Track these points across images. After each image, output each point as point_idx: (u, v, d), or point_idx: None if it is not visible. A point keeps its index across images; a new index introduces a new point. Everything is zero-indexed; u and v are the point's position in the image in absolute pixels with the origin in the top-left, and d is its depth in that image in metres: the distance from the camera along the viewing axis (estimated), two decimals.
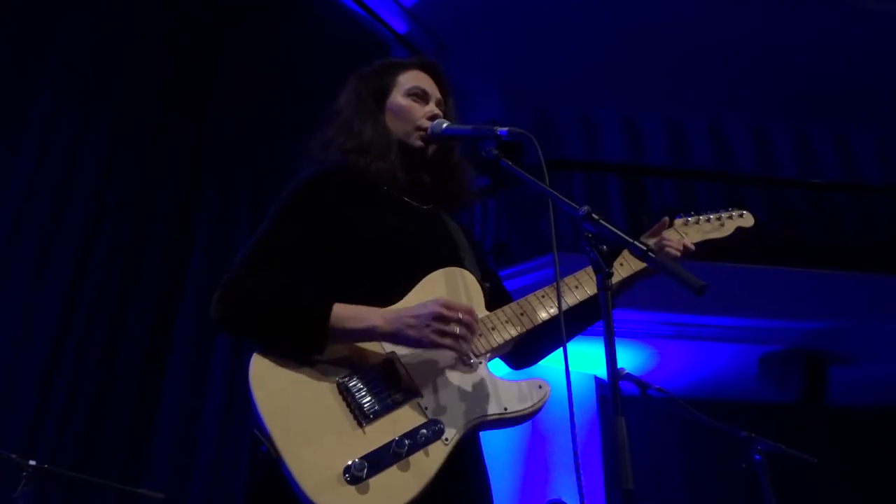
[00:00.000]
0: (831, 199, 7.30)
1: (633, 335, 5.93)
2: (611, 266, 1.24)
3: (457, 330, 1.36)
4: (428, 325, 1.34)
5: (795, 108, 8.14)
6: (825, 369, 6.22)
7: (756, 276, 5.70)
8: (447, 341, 1.35)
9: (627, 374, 2.75)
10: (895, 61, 7.39)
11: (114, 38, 4.85)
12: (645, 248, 1.22)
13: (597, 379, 6.27)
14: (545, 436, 5.56)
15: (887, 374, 6.49)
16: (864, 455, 6.46)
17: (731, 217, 1.81)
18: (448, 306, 1.36)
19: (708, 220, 1.78)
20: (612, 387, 1.13)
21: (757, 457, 2.76)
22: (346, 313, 1.38)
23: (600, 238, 1.24)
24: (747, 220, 1.82)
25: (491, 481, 1.51)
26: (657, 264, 1.22)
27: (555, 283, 1.47)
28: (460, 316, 1.36)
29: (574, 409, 1.31)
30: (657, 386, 2.86)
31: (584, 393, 6.12)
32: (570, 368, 1.32)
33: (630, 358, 6.31)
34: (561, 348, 1.40)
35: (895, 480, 6.25)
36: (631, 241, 1.23)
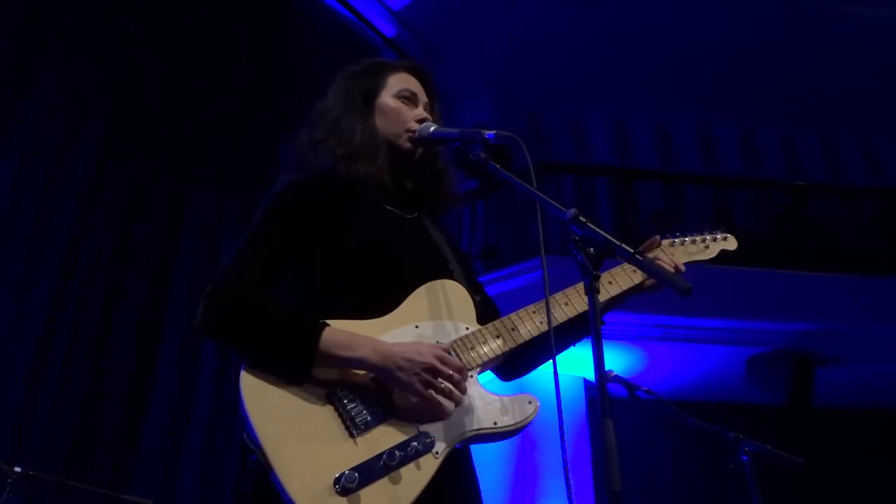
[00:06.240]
0: (817, 201, 7.36)
1: (621, 337, 5.95)
2: (598, 269, 1.23)
3: (443, 385, 1.35)
4: (417, 374, 1.33)
5: (783, 112, 8.21)
6: (812, 371, 6.27)
7: (743, 279, 5.73)
8: (431, 394, 1.34)
9: (616, 376, 2.76)
10: (881, 65, 7.48)
11: (107, 43, 4.85)
12: (632, 251, 1.22)
13: (586, 381, 6.28)
14: (534, 439, 5.56)
15: (873, 376, 6.54)
16: (850, 456, 6.51)
17: (715, 239, 1.83)
18: (443, 361, 1.36)
19: (693, 242, 1.80)
20: (599, 389, 1.13)
21: (745, 458, 2.78)
22: (336, 339, 1.35)
23: (588, 241, 1.23)
24: (731, 243, 1.85)
25: (482, 491, 1.50)
26: (644, 266, 1.23)
27: (544, 299, 1.47)
28: (452, 374, 1.36)
29: (563, 412, 1.31)
30: (646, 388, 2.87)
31: (573, 395, 6.13)
32: (559, 371, 1.33)
33: (618, 360, 6.33)
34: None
35: (880, 481, 6.30)
36: (618, 243, 1.23)
